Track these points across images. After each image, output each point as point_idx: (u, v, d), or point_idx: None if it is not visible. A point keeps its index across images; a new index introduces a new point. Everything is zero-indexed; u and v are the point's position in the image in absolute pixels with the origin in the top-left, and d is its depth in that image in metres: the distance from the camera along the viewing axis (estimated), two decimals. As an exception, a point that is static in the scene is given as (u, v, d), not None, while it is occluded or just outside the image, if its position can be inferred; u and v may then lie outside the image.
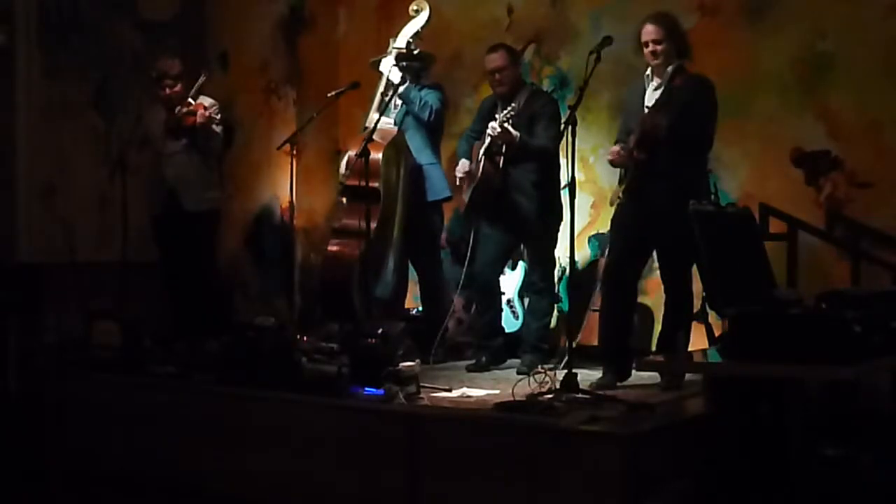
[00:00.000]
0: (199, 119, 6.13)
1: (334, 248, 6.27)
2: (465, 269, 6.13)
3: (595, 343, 5.78)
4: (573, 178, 5.08)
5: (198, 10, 7.33)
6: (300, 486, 4.68)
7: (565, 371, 4.84)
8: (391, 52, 6.42)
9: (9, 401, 5.85)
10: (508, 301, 6.49)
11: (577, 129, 4.91)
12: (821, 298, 4.00)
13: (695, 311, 5.55)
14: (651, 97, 5.22)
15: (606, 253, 5.66)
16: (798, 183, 6.11)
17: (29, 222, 6.46)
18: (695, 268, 5.04)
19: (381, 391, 4.75)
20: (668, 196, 5.01)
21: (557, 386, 4.78)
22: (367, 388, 4.78)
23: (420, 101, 6.25)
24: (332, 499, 4.60)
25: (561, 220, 5.97)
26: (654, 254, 5.42)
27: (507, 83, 6.01)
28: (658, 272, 5.49)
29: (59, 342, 6.14)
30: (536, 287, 6.08)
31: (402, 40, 6.43)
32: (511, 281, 6.52)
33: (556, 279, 6.31)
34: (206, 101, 6.30)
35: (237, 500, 4.86)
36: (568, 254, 5.10)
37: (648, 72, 5.27)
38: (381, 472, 4.45)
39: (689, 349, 5.29)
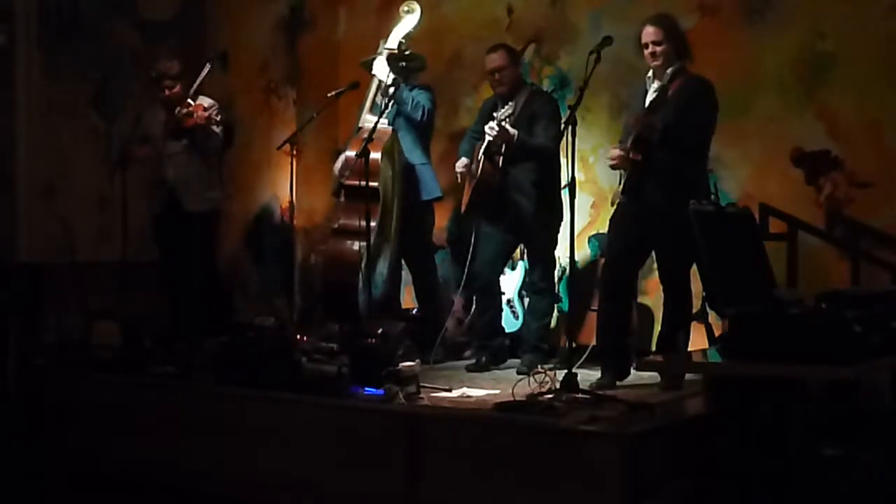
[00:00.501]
0: (198, 120, 6.13)
1: (335, 248, 6.27)
2: (465, 269, 6.14)
3: (594, 342, 5.78)
4: (573, 178, 5.08)
5: (198, 10, 7.32)
6: (300, 486, 4.68)
7: (566, 371, 4.85)
8: (382, 52, 6.43)
9: (9, 401, 5.84)
10: (508, 301, 6.49)
11: (577, 129, 4.91)
12: (821, 298, 4.00)
13: (695, 311, 5.55)
14: (650, 99, 5.24)
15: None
16: (798, 183, 6.10)
17: (29, 222, 6.46)
18: (695, 268, 5.04)
19: (381, 391, 4.75)
20: (667, 196, 5.02)
21: (557, 386, 4.78)
22: (367, 388, 4.79)
23: (412, 101, 6.26)
24: (331, 499, 4.60)
25: (561, 219, 5.97)
26: (654, 254, 5.43)
27: (507, 83, 6.02)
28: (658, 272, 5.49)
29: (59, 342, 6.14)
30: (536, 287, 6.08)
31: (393, 41, 6.43)
32: (511, 281, 6.52)
33: (556, 279, 6.31)
34: (205, 101, 6.30)
35: (237, 500, 4.86)
36: (568, 254, 5.10)
37: (650, 73, 5.28)
38: (380, 472, 4.46)
39: (689, 349, 5.29)
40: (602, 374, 5.27)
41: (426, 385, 5.10)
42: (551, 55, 6.97)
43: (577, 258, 6.11)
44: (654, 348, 5.70)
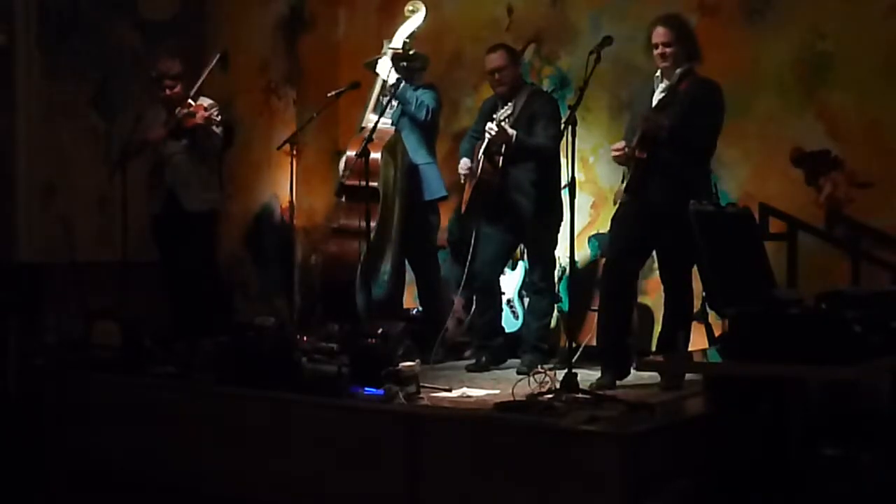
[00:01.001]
0: (199, 120, 6.13)
1: (335, 249, 6.27)
2: (465, 269, 6.14)
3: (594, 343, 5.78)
4: (573, 178, 5.08)
5: (198, 10, 7.32)
6: (300, 486, 4.68)
7: (566, 370, 4.85)
8: (386, 52, 6.43)
9: (9, 401, 5.84)
10: (508, 301, 6.49)
11: (577, 129, 4.91)
12: (821, 298, 4.00)
13: (695, 311, 5.55)
14: (658, 98, 5.23)
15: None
16: (798, 183, 6.10)
17: (29, 222, 6.47)
18: (695, 268, 5.04)
19: (381, 391, 4.75)
20: (669, 196, 5.02)
21: (557, 386, 4.78)
22: (367, 388, 4.79)
23: (416, 101, 6.26)
24: (331, 499, 4.60)
25: (561, 219, 5.97)
26: (654, 253, 5.43)
27: (506, 83, 6.01)
28: (658, 272, 5.49)
29: (59, 342, 6.14)
30: (536, 287, 6.08)
31: (397, 41, 6.44)
32: (511, 281, 6.52)
33: (556, 279, 6.31)
34: (205, 101, 6.30)
35: (237, 500, 4.86)
36: (568, 254, 5.10)
37: (658, 73, 5.27)
38: (380, 472, 4.45)
39: (689, 349, 5.29)
40: (602, 374, 5.27)
41: (426, 385, 5.10)
42: (551, 55, 6.97)
43: (577, 258, 6.11)
44: (654, 348, 5.70)
